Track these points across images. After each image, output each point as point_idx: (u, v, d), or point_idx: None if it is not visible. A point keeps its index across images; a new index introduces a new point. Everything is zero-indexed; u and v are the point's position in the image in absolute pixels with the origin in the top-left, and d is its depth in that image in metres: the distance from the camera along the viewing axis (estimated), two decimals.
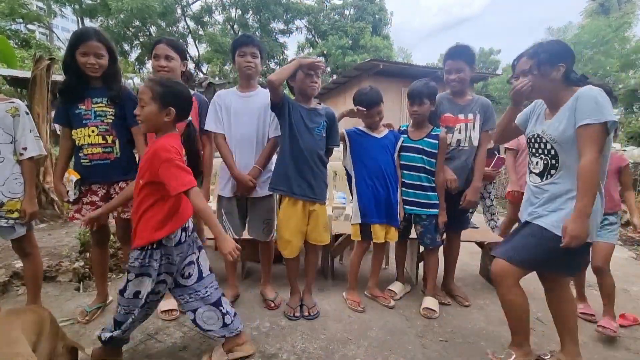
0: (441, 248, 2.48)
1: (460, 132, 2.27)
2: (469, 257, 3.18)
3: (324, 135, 2.08)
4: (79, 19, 16.48)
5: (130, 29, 15.53)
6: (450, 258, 2.55)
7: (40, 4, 16.69)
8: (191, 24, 17.27)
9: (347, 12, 18.94)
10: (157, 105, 1.43)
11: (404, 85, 10.92)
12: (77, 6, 15.33)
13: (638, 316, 2.26)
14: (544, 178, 1.60)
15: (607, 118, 1.38)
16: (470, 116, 2.26)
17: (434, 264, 2.38)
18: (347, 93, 12.27)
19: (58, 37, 18.43)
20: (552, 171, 1.57)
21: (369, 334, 1.99)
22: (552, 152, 1.56)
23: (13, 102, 1.78)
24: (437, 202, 2.27)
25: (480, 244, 2.86)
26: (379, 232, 2.23)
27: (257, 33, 17.44)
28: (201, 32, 17.20)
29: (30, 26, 15.56)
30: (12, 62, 4.10)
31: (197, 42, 17.22)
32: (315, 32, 18.73)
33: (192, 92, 2.14)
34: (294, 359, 1.78)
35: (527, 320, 1.66)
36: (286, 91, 2.13)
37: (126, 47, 16.33)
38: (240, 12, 17.25)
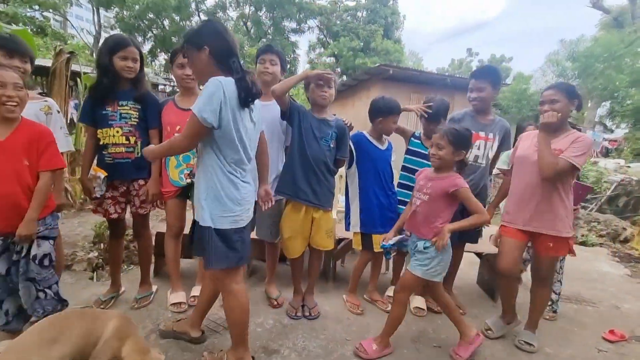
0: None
1: (479, 149, 2.36)
2: (468, 266, 3.26)
3: (333, 145, 2.16)
4: (95, 8, 16.71)
5: (144, 21, 15.72)
6: (451, 268, 2.64)
7: None
8: (205, 18, 17.43)
9: (359, 14, 18.98)
10: None
11: (413, 91, 10.98)
12: None
13: (626, 333, 2.34)
14: None
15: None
16: (491, 135, 2.36)
17: None
18: (356, 95, 12.33)
19: (72, 25, 18.66)
20: None
21: (367, 336, 2.08)
22: None
23: (46, 101, 1.91)
24: None
25: (479, 255, 2.94)
26: (379, 242, 2.32)
27: (269, 31, 17.56)
28: None
29: (45, 13, 15.79)
30: (34, 54, 4.23)
31: None
32: (327, 32, 18.81)
33: None
34: (295, 356, 1.89)
35: None
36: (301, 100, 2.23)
37: (140, 39, 16.52)
38: (253, 9, 17.38)
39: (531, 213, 1.98)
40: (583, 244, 4.91)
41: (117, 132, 1.98)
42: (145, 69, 2.16)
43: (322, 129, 2.13)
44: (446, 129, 1.84)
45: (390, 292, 2.61)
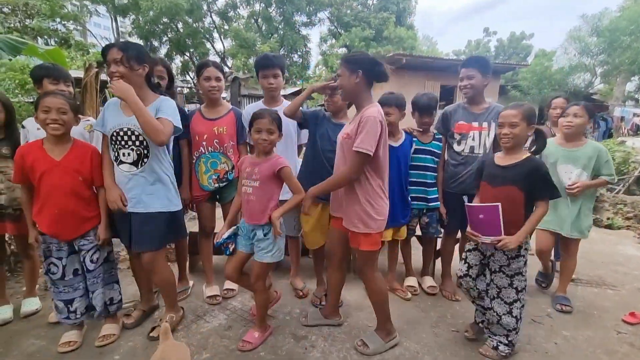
0: (457, 246, 2.72)
1: (474, 140, 2.43)
2: None
3: None
4: (113, 17, 17.29)
5: (159, 25, 16.14)
6: (427, 257, 2.85)
7: (74, 1, 17.57)
8: (216, 19, 17.71)
9: (370, 2, 18.72)
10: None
11: (427, 78, 10.85)
12: (110, 5, 16.10)
13: None
14: None
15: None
16: (485, 124, 2.41)
17: (430, 251, 2.82)
18: None
19: (91, 33, 19.40)
20: None
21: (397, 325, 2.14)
22: None
23: (89, 120, 2.14)
24: (437, 196, 2.57)
25: None
26: (386, 233, 2.38)
27: (280, 26, 17.61)
28: (226, 27, 17.60)
29: (66, 24, 16.46)
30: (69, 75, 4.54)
31: (222, 37, 17.66)
32: (338, 23, 18.66)
33: (229, 106, 2.45)
34: (321, 341, 2.07)
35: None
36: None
37: (155, 43, 17.01)
38: (264, 5, 17.46)
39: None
40: (609, 226, 4.82)
41: None
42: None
43: (337, 132, 2.25)
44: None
45: (409, 281, 2.74)
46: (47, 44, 14.41)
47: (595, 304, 2.60)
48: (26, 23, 14.06)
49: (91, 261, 1.90)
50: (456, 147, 2.49)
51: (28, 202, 1.86)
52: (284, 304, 2.47)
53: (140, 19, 15.96)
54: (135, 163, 1.86)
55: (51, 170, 1.77)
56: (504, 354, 1.92)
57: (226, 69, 14.58)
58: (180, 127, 1.93)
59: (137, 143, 1.85)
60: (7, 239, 2.37)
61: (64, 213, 1.80)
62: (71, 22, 16.01)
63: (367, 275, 1.97)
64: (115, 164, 1.88)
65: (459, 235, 2.68)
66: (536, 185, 1.81)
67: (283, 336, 2.10)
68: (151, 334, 2.02)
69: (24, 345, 1.93)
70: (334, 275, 2.17)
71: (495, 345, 1.95)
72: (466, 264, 2.01)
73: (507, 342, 1.92)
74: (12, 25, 12.79)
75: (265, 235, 1.91)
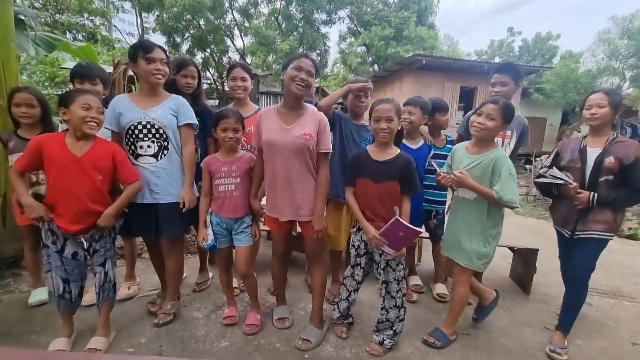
0: None
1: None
2: (500, 259, 3.32)
3: None
4: (138, 13, 17.76)
5: (182, 22, 16.46)
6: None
7: None
8: (237, 16, 17.90)
9: (391, 1, 18.50)
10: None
11: (448, 79, 10.71)
12: (136, 1, 16.55)
13: None
14: None
15: None
16: (508, 133, 2.42)
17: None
18: (388, 87, 12.23)
19: (117, 28, 20.01)
20: None
21: (409, 326, 2.18)
22: None
23: None
24: (446, 199, 2.62)
25: (511, 248, 3.00)
26: None
27: (299, 24, 17.67)
28: (247, 25, 17.79)
29: (93, 19, 17.04)
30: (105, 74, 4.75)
31: (242, 34, 17.87)
32: (358, 21, 18.55)
33: (256, 107, 2.54)
34: (333, 337, 2.14)
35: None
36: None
37: (178, 39, 17.36)
38: (284, 3, 17.55)
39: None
40: (631, 237, 4.70)
41: None
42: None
43: (360, 134, 2.33)
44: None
45: (413, 280, 2.81)
46: (75, 38, 14.97)
47: (610, 315, 2.58)
48: (56, 18, 14.65)
49: (97, 247, 1.90)
50: None
51: (22, 185, 1.79)
52: (298, 299, 2.55)
53: (164, 15, 16.32)
54: (155, 155, 1.98)
55: (70, 165, 1.74)
56: (388, 347, 2.01)
57: None
58: (197, 122, 2.13)
59: (157, 136, 1.96)
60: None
61: (82, 211, 1.77)
62: (98, 17, 16.58)
63: (318, 266, 2.13)
64: (132, 157, 1.97)
65: None
66: (407, 180, 1.89)
67: (298, 329, 2.18)
68: (156, 321, 2.16)
69: (59, 325, 2.08)
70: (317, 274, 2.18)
71: (381, 340, 2.03)
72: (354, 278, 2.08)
73: (392, 333, 2.03)
74: (43, 20, 13.35)
75: (249, 225, 2.11)
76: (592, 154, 2.00)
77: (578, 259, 2.08)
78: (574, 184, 1.96)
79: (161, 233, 2.06)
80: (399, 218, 1.78)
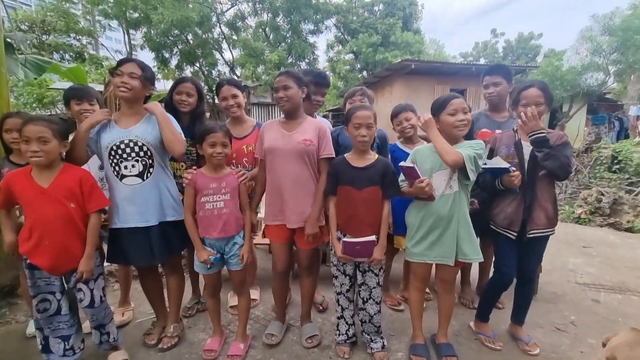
0: None
1: None
2: None
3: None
4: (125, 30, 17.77)
5: (170, 37, 16.49)
6: (483, 264, 2.72)
7: (88, 17, 18.14)
8: (225, 30, 17.99)
9: (376, 9, 18.79)
10: None
11: (437, 82, 10.84)
12: (122, 19, 16.56)
13: None
14: None
15: None
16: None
17: None
18: (378, 93, 12.33)
19: (104, 47, 19.99)
20: None
21: (409, 332, 2.21)
22: None
23: None
24: None
25: None
26: (401, 241, 2.38)
27: (287, 35, 17.82)
28: (235, 37, 17.88)
29: (80, 39, 17.00)
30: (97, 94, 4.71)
31: (231, 47, 17.94)
32: (345, 30, 18.80)
33: (254, 122, 2.48)
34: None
35: None
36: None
37: (166, 55, 17.37)
38: (271, 15, 17.72)
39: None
40: (629, 230, 4.74)
41: (182, 166, 2.29)
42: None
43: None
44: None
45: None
46: (62, 58, 14.88)
47: (619, 311, 2.57)
48: (42, 39, 14.57)
49: (84, 294, 1.79)
50: None
51: (4, 220, 1.79)
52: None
53: (152, 31, 16.34)
54: (141, 174, 1.88)
55: (38, 198, 1.64)
56: (385, 347, 2.05)
57: (235, 79, 14.79)
58: (179, 129, 2.01)
59: (142, 154, 1.87)
60: None
61: (59, 245, 1.67)
62: (85, 36, 16.55)
63: (311, 276, 2.19)
64: (116, 179, 1.88)
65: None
66: (388, 184, 1.89)
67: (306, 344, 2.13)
68: (160, 346, 2.09)
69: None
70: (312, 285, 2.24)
71: (381, 345, 2.05)
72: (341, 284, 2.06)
73: (381, 336, 2.07)
74: (29, 42, 13.28)
75: (242, 243, 1.99)
76: (527, 147, 1.95)
77: (530, 260, 2.07)
78: (517, 172, 1.89)
79: (158, 256, 1.96)
80: (345, 240, 1.85)
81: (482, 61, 26.34)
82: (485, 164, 1.92)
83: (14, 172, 1.73)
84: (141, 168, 1.88)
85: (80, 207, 1.73)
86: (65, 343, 1.80)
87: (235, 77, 16.63)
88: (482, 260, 1.98)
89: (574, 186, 6.95)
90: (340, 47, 19.43)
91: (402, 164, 1.85)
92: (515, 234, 1.99)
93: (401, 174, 1.92)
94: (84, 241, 1.74)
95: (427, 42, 24.18)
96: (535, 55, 27.01)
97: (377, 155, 1.96)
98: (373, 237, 1.83)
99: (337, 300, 2.09)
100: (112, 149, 1.85)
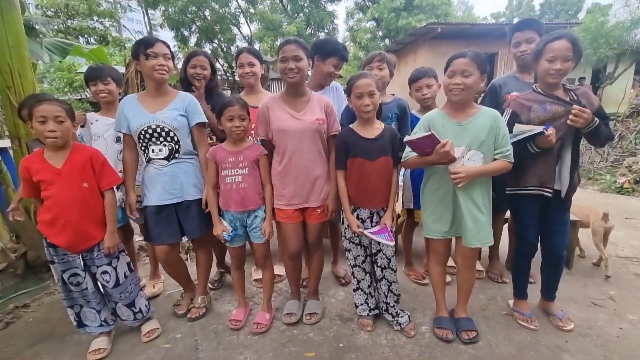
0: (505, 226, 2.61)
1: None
2: None
3: (395, 127, 2.20)
4: (145, 10, 17.79)
5: (188, 14, 16.34)
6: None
7: None
8: (242, 3, 17.56)
9: None
10: None
11: (466, 47, 10.07)
12: None
13: None
14: None
15: None
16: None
17: None
18: (401, 61, 11.77)
19: (126, 28, 20.21)
20: None
21: (433, 305, 2.16)
22: None
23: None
24: None
25: None
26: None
27: (305, 4, 17.15)
28: (252, 11, 17.44)
29: (103, 21, 17.23)
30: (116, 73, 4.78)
31: (248, 20, 17.55)
32: None
33: (269, 93, 2.42)
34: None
35: None
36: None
37: (185, 33, 17.30)
38: None
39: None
40: None
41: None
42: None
43: (384, 112, 2.17)
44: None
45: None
46: (87, 42, 15.20)
47: None
48: (68, 24, 14.88)
49: (110, 275, 1.85)
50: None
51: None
52: (328, 285, 2.52)
53: (170, 9, 16.23)
54: (167, 158, 1.95)
55: (54, 179, 1.68)
56: (411, 320, 2.04)
57: None
58: (206, 120, 2.06)
59: (168, 139, 1.93)
60: None
61: (75, 224, 1.71)
62: (107, 19, 16.73)
63: (318, 252, 2.17)
64: (144, 161, 1.97)
65: (507, 214, 2.55)
66: (397, 151, 1.86)
67: (330, 318, 2.15)
68: (189, 316, 2.17)
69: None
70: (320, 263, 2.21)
71: (407, 319, 2.01)
72: (354, 257, 2.03)
73: (402, 309, 2.06)
74: (55, 27, 13.59)
75: (264, 216, 1.99)
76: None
77: (556, 236, 1.93)
78: (551, 128, 1.69)
79: (186, 233, 2.06)
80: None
81: (516, 21, 24.31)
82: (518, 134, 1.76)
83: (28, 157, 1.76)
84: (167, 152, 1.95)
85: (93, 186, 1.77)
86: (99, 314, 1.91)
87: None
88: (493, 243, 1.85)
89: (616, 153, 6.44)
90: (361, 14, 18.52)
91: (415, 135, 1.70)
92: (551, 191, 1.83)
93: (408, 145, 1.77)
94: (99, 220, 1.80)
95: (454, 3, 22.48)
96: (577, 11, 24.56)
97: (382, 124, 1.91)
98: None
99: (352, 273, 2.08)
100: (140, 133, 1.92)
